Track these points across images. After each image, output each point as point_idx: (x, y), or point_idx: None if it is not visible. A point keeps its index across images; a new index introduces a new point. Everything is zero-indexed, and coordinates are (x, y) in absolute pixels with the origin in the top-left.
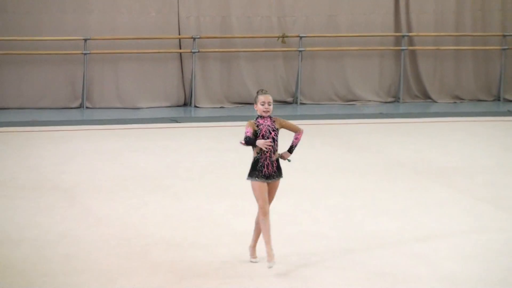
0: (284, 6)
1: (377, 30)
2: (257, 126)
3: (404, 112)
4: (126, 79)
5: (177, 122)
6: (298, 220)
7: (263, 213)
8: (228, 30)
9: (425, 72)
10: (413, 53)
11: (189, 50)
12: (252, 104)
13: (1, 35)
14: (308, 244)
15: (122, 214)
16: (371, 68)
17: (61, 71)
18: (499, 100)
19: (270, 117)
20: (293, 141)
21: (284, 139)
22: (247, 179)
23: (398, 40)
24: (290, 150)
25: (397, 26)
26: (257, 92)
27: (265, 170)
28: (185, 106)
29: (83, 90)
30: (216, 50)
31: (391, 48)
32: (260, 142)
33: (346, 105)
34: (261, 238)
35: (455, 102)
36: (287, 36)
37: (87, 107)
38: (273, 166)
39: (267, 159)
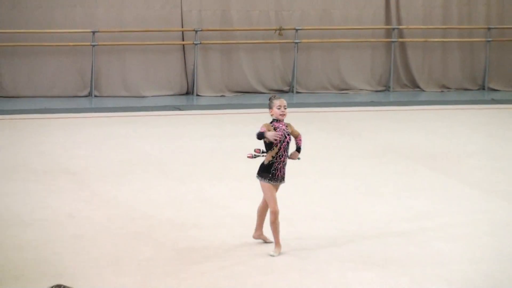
0: (281, 0)
1: (369, 23)
2: (274, 129)
3: (394, 101)
4: (132, 69)
5: (180, 109)
6: (294, 202)
7: (276, 215)
8: (228, 23)
9: (414, 63)
10: (402, 45)
11: (192, 42)
12: (251, 93)
13: (15, 28)
14: (304, 225)
15: (128, 196)
16: (363, 59)
17: (70, 61)
18: (483, 89)
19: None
20: (297, 142)
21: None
22: (258, 178)
23: (388, 33)
24: (298, 150)
25: (388, 20)
26: (270, 98)
27: (278, 173)
28: (187, 95)
29: (91, 79)
30: (217, 42)
31: (382, 40)
32: (269, 134)
33: (340, 94)
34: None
35: (442, 91)
36: (283, 29)
37: (95, 96)
38: (283, 169)
39: (281, 163)
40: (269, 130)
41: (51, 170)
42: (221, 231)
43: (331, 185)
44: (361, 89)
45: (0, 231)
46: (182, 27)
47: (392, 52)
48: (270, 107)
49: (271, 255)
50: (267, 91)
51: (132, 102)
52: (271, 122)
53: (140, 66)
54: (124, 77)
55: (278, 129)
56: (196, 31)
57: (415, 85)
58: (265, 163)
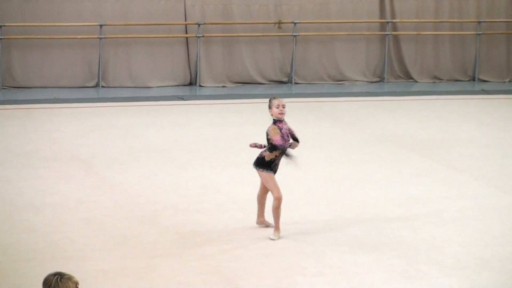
0: None
1: (364, 17)
2: (280, 129)
3: (388, 91)
4: (138, 61)
5: (183, 99)
6: (291, 188)
7: (280, 201)
8: (230, 17)
9: (407, 55)
10: (396, 38)
11: (194, 35)
12: (252, 84)
13: (26, 21)
14: (302, 210)
15: (134, 183)
16: (359, 51)
17: (79, 53)
18: (474, 80)
19: (281, 120)
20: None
21: None
22: (260, 170)
23: (383, 26)
24: (297, 140)
25: (382, 13)
26: (270, 99)
27: (276, 168)
28: (190, 85)
29: (98, 70)
30: (219, 35)
31: (377, 33)
32: (291, 152)
33: (336, 85)
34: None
35: (434, 82)
36: (282, 22)
37: (102, 86)
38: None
39: (280, 159)
40: (276, 134)
41: (61, 157)
42: (223, 215)
43: (327, 172)
44: (356, 80)
45: (13, 216)
46: (186, 21)
47: (386, 44)
48: (269, 107)
49: (271, 239)
50: (267, 82)
51: (137, 92)
52: (274, 123)
53: (145, 58)
54: (130, 69)
55: (282, 130)
56: (199, 25)
57: (408, 76)
58: (266, 159)
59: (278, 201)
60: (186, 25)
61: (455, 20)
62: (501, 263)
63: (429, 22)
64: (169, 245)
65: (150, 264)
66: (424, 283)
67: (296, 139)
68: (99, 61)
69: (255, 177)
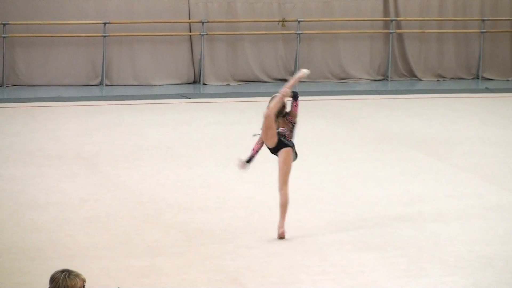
0: None
1: (368, 15)
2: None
3: (392, 89)
4: (141, 59)
5: (187, 98)
6: (295, 186)
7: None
8: (233, 15)
9: (411, 53)
10: (400, 36)
11: (198, 33)
12: (255, 82)
13: (30, 19)
14: (305, 209)
15: (138, 181)
16: (362, 49)
17: (83, 51)
18: (478, 78)
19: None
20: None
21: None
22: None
23: (386, 24)
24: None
25: (386, 11)
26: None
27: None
28: (194, 84)
29: (102, 69)
30: (223, 33)
31: (381, 31)
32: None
33: (340, 83)
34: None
35: (438, 80)
36: (286, 20)
37: (106, 84)
38: None
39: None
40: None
41: (64, 155)
42: (226, 214)
43: (331, 170)
44: (360, 78)
45: (17, 214)
46: (190, 19)
47: (390, 42)
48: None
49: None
50: (271, 80)
51: (141, 90)
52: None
53: (149, 56)
54: (134, 67)
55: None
56: (203, 23)
57: (412, 75)
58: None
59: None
60: (190, 23)
61: (459, 18)
62: (504, 261)
63: (433, 20)
64: (173, 244)
65: (154, 262)
66: (427, 281)
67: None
68: (103, 59)
69: (259, 175)
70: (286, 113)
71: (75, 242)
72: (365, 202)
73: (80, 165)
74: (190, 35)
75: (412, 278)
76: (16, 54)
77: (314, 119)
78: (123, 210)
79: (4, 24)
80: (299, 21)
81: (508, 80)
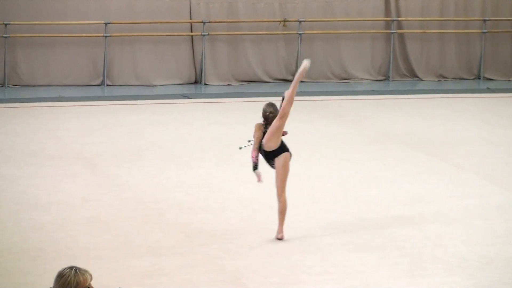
0: None
1: (369, 15)
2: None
3: (394, 89)
4: (143, 59)
5: (188, 98)
6: (297, 186)
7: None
8: (235, 15)
9: (412, 53)
10: (401, 36)
11: (200, 33)
12: (257, 82)
13: (31, 19)
14: (306, 209)
15: (139, 181)
16: (364, 50)
17: (84, 52)
18: (479, 78)
19: None
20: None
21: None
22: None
23: (388, 24)
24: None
25: (387, 11)
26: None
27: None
28: (195, 84)
29: (104, 69)
30: (224, 33)
31: (382, 31)
32: None
33: (341, 83)
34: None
35: (439, 80)
36: (287, 21)
37: (107, 85)
38: None
39: None
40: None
41: (65, 155)
42: (227, 214)
43: (332, 170)
44: (361, 78)
45: (18, 214)
46: (191, 19)
47: (392, 43)
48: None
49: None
50: (272, 80)
51: (142, 90)
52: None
53: (151, 56)
54: (135, 67)
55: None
56: (204, 23)
57: (413, 75)
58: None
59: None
60: (191, 23)
61: (461, 19)
62: (505, 261)
63: (435, 20)
64: (174, 244)
65: (155, 262)
66: (428, 281)
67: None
68: (104, 59)
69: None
70: None
71: (77, 242)
72: (366, 202)
73: (81, 165)
74: (192, 35)
75: (413, 278)
76: (17, 54)
77: (315, 119)
78: (125, 210)
79: (6, 24)
80: (300, 21)
81: (509, 80)
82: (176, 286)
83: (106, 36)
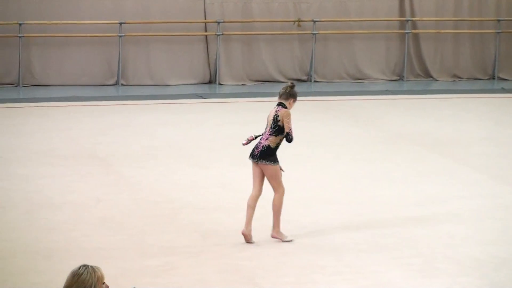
0: None
1: (384, 15)
2: None
3: (408, 89)
4: (157, 59)
5: (202, 98)
6: (310, 186)
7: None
8: (249, 15)
9: (427, 53)
10: (416, 36)
11: (214, 33)
12: (271, 82)
13: (46, 19)
14: (319, 208)
15: (153, 181)
16: (378, 50)
17: (98, 51)
18: (493, 78)
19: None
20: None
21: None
22: (269, 164)
23: (402, 24)
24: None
25: (402, 11)
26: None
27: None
28: (210, 84)
29: (118, 68)
30: (238, 33)
31: (396, 31)
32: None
33: (355, 83)
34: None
35: (454, 80)
36: (302, 21)
37: (121, 84)
38: None
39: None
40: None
41: (79, 155)
42: (241, 214)
43: (345, 170)
44: (376, 79)
45: (31, 214)
46: (205, 19)
47: (406, 43)
48: (293, 95)
49: (287, 241)
50: (286, 80)
51: (156, 90)
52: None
53: (165, 56)
54: (149, 67)
55: None
56: (219, 23)
57: (427, 75)
58: (272, 146)
59: (283, 194)
60: (205, 23)
61: (475, 19)
62: None
63: (449, 20)
64: (187, 244)
65: (168, 262)
66: (441, 281)
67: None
68: (119, 59)
69: None
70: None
71: (90, 242)
72: (379, 202)
73: (94, 165)
74: (206, 35)
75: (426, 278)
76: (31, 54)
77: (329, 119)
78: (138, 210)
79: (20, 24)
80: (314, 21)
81: None
82: (189, 286)
83: (120, 36)
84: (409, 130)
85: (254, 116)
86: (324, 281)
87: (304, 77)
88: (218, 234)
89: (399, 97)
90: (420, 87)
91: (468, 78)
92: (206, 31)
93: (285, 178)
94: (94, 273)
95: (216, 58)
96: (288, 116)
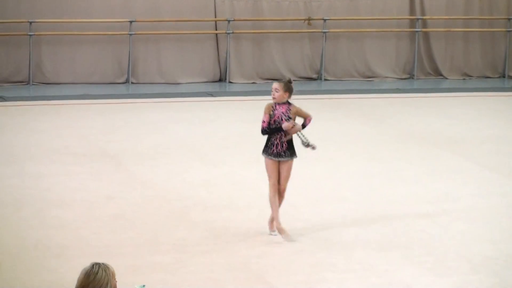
0: None
1: (394, 14)
2: (273, 111)
3: (418, 88)
4: (167, 57)
5: (213, 96)
6: (322, 185)
7: (274, 190)
8: (259, 13)
9: (437, 52)
10: (426, 35)
11: (224, 31)
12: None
13: (56, 17)
14: (330, 207)
15: (164, 179)
16: (388, 48)
17: (109, 50)
18: (504, 77)
19: (289, 103)
20: (305, 121)
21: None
22: (262, 154)
23: (412, 23)
24: (303, 126)
25: (412, 10)
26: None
27: (274, 149)
28: (220, 82)
29: (128, 67)
30: (249, 31)
31: (407, 30)
32: (285, 126)
33: (366, 81)
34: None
35: (464, 79)
36: (312, 19)
37: (132, 82)
38: (282, 146)
39: (277, 139)
40: (269, 114)
41: (90, 153)
42: (252, 212)
43: (357, 168)
44: (386, 77)
45: (42, 212)
46: (215, 17)
47: (416, 41)
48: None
49: (286, 240)
50: (296, 79)
51: (167, 88)
52: (274, 104)
53: (175, 54)
54: (160, 65)
55: (276, 111)
56: (229, 21)
57: (438, 73)
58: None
59: (272, 187)
60: (216, 21)
61: (485, 17)
62: None
63: (459, 18)
64: (199, 242)
65: (179, 260)
66: (453, 280)
67: (303, 125)
68: (129, 57)
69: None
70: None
71: (101, 240)
72: (391, 201)
73: (105, 163)
74: (216, 34)
75: (438, 276)
76: (42, 52)
77: (340, 118)
78: (149, 208)
79: (31, 22)
80: (325, 20)
81: None
82: (200, 284)
83: (131, 34)
84: (420, 128)
85: None
86: (335, 279)
87: (314, 76)
88: (229, 232)
89: (410, 96)
90: (430, 85)
91: (478, 77)
92: (216, 29)
93: (297, 177)
94: (108, 270)
95: (226, 56)
96: (265, 108)
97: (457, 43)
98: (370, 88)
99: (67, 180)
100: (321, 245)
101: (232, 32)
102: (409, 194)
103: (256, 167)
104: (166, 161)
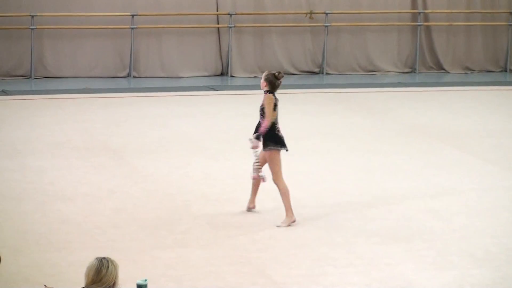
0: None
1: (396, 7)
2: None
3: (420, 82)
4: (169, 51)
5: (215, 90)
6: (323, 178)
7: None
8: (261, 7)
9: (439, 46)
10: (428, 28)
11: (226, 25)
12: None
13: (58, 11)
14: (332, 201)
15: (165, 173)
16: (390, 42)
17: (110, 43)
18: (505, 71)
19: (268, 93)
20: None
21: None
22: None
23: (414, 17)
24: (258, 138)
25: (414, 4)
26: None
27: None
28: (222, 76)
29: (130, 61)
30: (250, 25)
31: (408, 23)
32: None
33: (367, 75)
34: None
35: (465, 73)
36: (314, 13)
37: (134, 76)
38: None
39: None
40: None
41: (92, 147)
42: None
43: (358, 162)
44: (388, 71)
45: (45, 206)
46: (217, 11)
47: (418, 35)
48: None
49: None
50: (298, 73)
51: (169, 82)
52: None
53: (177, 48)
54: (161, 59)
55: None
56: (231, 15)
57: (440, 67)
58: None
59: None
60: (217, 15)
61: (487, 11)
62: None
63: (461, 12)
64: (200, 235)
65: (181, 254)
66: (455, 274)
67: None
68: (131, 51)
69: (285, 167)
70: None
71: (103, 234)
72: (392, 195)
73: (107, 157)
74: (218, 27)
75: (440, 270)
76: (44, 46)
77: (341, 111)
78: (151, 202)
79: (32, 16)
80: (327, 14)
81: None
82: (202, 278)
83: (132, 28)
84: (422, 122)
85: None
86: (336, 273)
87: (316, 69)
88: (230, 226)
89: (411, 89)
90: (432, 79)
91: (480, 71)
92: (218, 23)
93: (298, 170)
94: (115, 263)
95: (228, 50)
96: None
97: (459, 37)
98: (372, 82)
99: (69, 174)
100: (322, 239)
101: (234, 26)
102: (411, 188)
103: None
104: (167, 155)
